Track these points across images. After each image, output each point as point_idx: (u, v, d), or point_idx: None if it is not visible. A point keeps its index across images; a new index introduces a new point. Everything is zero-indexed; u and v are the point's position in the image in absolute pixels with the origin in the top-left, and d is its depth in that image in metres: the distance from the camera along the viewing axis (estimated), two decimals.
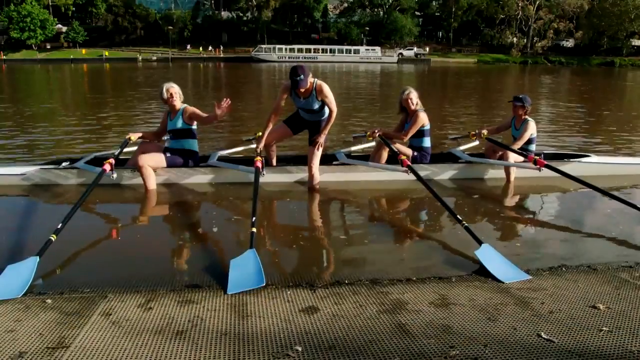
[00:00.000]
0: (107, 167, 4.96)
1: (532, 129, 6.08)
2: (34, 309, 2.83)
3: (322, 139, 5.41)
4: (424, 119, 5.95)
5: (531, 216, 5.16)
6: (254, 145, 6.98)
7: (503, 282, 3.32)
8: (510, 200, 5.70)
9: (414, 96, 5.91)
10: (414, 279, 3.38)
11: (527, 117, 6.14)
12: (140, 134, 5.95)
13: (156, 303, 2.91)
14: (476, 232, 3.89)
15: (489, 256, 3.66)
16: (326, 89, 5.19)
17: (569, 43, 78.08)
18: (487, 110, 15.87)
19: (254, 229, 3.75)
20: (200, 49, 68.50)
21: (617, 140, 9.41)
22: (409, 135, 5.94)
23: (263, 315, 2.76)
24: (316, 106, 5.28)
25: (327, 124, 5.44)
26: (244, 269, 3.35)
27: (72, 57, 60.95)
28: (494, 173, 6.20)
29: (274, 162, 6.00)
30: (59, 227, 3.66)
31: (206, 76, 36.20)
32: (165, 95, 5.54)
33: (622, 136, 10.04)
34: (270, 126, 5.50)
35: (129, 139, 5.79)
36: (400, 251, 4.09)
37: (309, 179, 5.55)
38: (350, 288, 3.18)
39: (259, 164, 5.04)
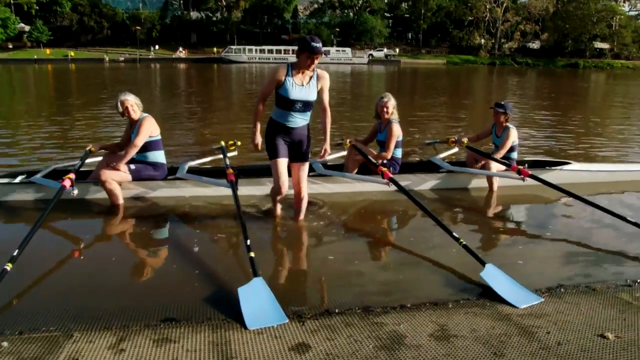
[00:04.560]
0: (66, 182, 4.56)
1: (513, 137, 5.97)
2: None
3: (329, 145, 4.51)
4: (398, 131, 5.77)
5: (518, 230, 4.94)
6: (232, 153, 6.73)
7: (517, 307, 3.13)
8: (495, 213, 5.52)
9: (390, 105, 5.72)
10: (409, 305, 3.15)
11: (508, 124, 6.02)
12: (102, 145, 5.63)
13: (129, 343, 2.61)
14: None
15: (496, 278, 3.45)
16: (327, 75, 4.39)
17: (535, 45, 79.76)
18: (457, 111, 15.86)
19: (252, 254, 3.44)
20: (179, 50, 67.28)
21: (587, 147, 9.40)
22: (391, 150, 5.74)
23: (249, 357, 2.49)
24: (314, 96, 4.31)
25: (327, 124, 4.48)
26: (256, 301, 3.07)
27: (36, 57, 59.02)
28: (477, 182, 6.05)
29: (278, 211, 4.92)
30: (14, 254, 3.28)
31: (175, 78, 35.46)
32: (119, 108, 5.22)
33: (592, 141, 10.08)
34: (260, 116, 4.41)
35: (90, 150, 5.47)
36: (391, 273, 3.74)
37: (299, 203, 4.68)
38: (342, 319, 2.94)
39: (234, 177, 4.75)
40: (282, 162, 4.40)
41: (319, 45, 4.05)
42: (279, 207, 4.86)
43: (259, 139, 4.41)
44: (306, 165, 4.56)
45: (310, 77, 4.27)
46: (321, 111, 4.45)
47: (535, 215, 5.32)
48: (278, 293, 3.17)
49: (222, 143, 6.35)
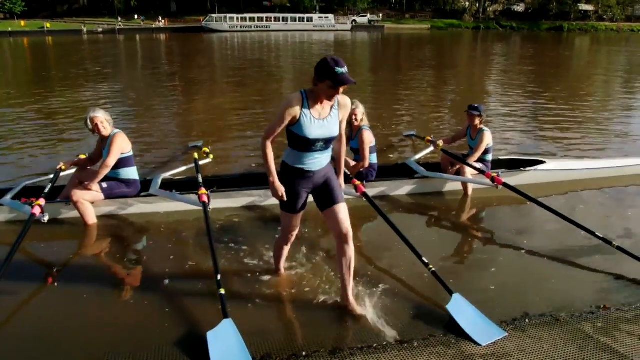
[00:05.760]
0: (36, 210, 4.51)
1: (487, 139, 5.99)
2: None
3: (343, 179, 3.79)
4: (369, 138, 5.75)
5: (491, 246, 4.81)
6: (206, 160, 6.66)
7: (481, 345, 3.18)
8: (468, 224, 5.48)
9: (359, 112, 5.69)
10: (375, 346, 3.20)
11: (482, 126, 6.04)
12: (73, 162, 5.55)
13: None
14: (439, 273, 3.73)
15: (462, 310, 3.49)
16: (349, 101, 3.52)
17: (520, 7, 79.27)
18: (442, 93, 15.80)
19: (222, 291, 3.41)
20: (158, 20, 65.39)
21: (566, 139, 9.46)
22: (367, 158, 5.73)
23: None
24: (337, 130, 3.43)
25: (343, 155, 3.75)
26: (225, 345, 3.09)
27: (10, 29, 57.40)
28: (452, 186, 6.08)
29: (282, 268, 4.18)
30: None
31: (154, 52, 34.79)
32: (89, 125, 5.15)
33: (573, 131, 10.13)
34: (272, 158, 3.44)
35: (61, 169, 5.41)
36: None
37: (347, 261, 3.57)
38: None
39: (206, 198, 4.71)
40: (298, 218, 3.65)
41: (345, 71, 3.13)
42: (283, 261, 4.12)
43: (281, 187, 3.46)
44: (345, 205, 3.54)
45: (331, 107, 3.37)
46: (336, 141, 3.59)
47: (509, 226, 5.25)
48: (247, 333, 3.20)
49: (195, 155, 6.27)
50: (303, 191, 3.52)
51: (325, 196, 3.52)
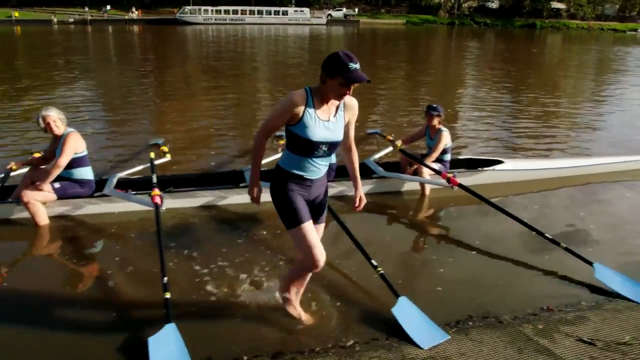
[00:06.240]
0: None
1: (445, 140, 6.03)
2: None
3: (361, 191, 3.41)
4: None
5: (443, 246, 4.88)
6: (163, 159, 6.56)
7: (422, 349, 3.20)
8: (423, 225, 5.51)
9: None
10: (317, 349, 3.20)
11: (441, 126, 6.08)
12: (24, 161, 5.43)
13: None
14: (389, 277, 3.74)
15: (407, 313, 3.50)
16: (356, 103, 3.16)
17: (494, 4, 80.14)
18: (412, 90, 15.89)
19: (168, 294, 3.38)
20: (131, 11, 63.76)
21: (532, 138, 9.61)
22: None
23: None
24: (342, 134, 3.14)
25: (356, 165, 3.40)
26: (166, 351, 3.05)
27: None
28: (410, 185, 6.13)
29: (298, 307, 3.59)
30: None
31: (125, 45, 34.21)
32: (41, 124, 5.03)
33: (541, 129, 10.29)
34: (261, 156, 3.22)
35: (11, 168, 5.28)
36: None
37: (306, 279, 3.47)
38: None
39: (158, 199, 4.66)
40: (311, 228, 3.10)
41: (359, 67, 2.84)
42: (298, 294, 3.50)
43: (258, 191, 3.22)
44: (323, 226, 3.41)
45: (337, 108, 3.07)
46: (345, 151, 3.33)
47: (463, 227, 5.30)
48: (191, 338, 3.17)
49: (152, 155, 6.17)
50: (302, 198, 3.14)
51: (313, 211, 3.23)
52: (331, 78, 2.85)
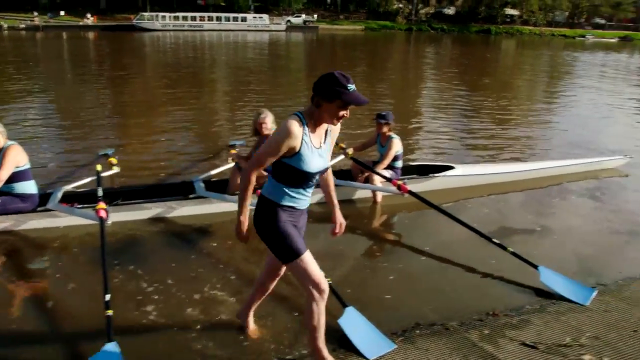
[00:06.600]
0: None
1: (396, 147, 6.09)
2: None
3: (340, 214, 3.25)
4: None
5: (394, 253, 4.91)
6: (112, 171, 6.39)
7: (368, 359, 3.20)
8: (374, 233, 5.51)
9: (269, 121, 5.61)
10: None
11: (391, 133, 6.13)
12: None
13: None
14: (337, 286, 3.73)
15: (354, 324, 3.49)
16: (338, 124, 2.93)
17: (451, 10, 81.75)
18: (368, 96, 16.00)
19: (110, 312, 3.28)
20: (86, 17, 62.25)
21: (486, 143, 9.80)
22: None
23: None
24: (330, 158, 2.99)
25: (333, 188, 3.25)
26: None
27: None
28: (362, 193, 6.15)
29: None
30: None
31: (79, 52, 33.37)
32: None
33: (496, 135, 10.51)
34: (251, 192, 2.87)
35: None
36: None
37: (260, 298, 3.50)
38: None
39: (103, 213, 4.53)
40: (310, 256, 2.88)
41: (355, 87, 2.70)
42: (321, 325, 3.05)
43: (248, 230, 2.93)
44: None
45: (325, 132, 2.89)
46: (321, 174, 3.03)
47: (413, 233, 5.34)
48: (132, 356, 3.09)
49: (98, 167, 5.99)
50: (294, 227, 2.93)
51: None
52: (329, 102, 2.67)
